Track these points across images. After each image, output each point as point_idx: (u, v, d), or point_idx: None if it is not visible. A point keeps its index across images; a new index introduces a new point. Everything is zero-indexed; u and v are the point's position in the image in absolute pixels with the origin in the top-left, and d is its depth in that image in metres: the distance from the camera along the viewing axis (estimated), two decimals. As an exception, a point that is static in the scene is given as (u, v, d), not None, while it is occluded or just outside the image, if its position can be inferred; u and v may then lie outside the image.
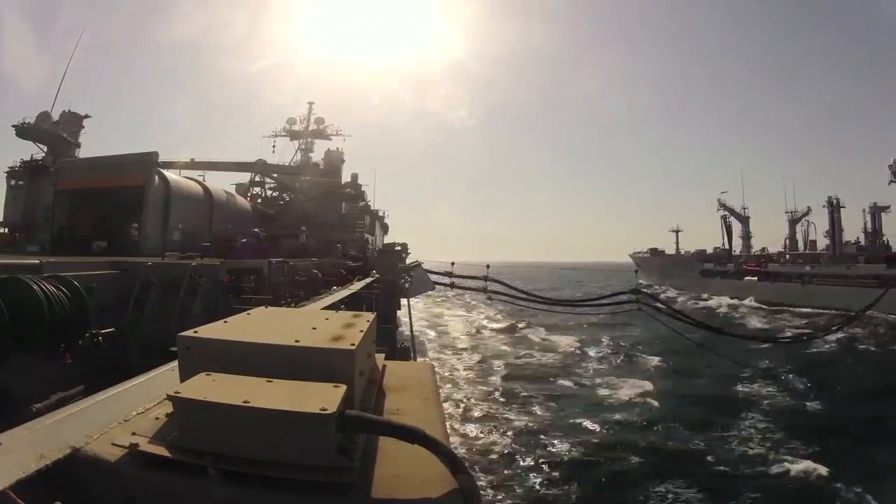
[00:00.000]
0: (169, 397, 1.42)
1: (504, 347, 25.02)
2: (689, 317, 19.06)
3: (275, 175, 26.02)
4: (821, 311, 33.29)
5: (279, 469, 1.29)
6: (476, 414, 14.14)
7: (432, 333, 29.15)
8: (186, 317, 5.72)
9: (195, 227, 15.19)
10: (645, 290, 19.87)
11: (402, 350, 13.72)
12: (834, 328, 21.86)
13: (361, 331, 1.91)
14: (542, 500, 9.51)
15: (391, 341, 13.94)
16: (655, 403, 15.10)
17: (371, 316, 2.25)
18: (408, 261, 23.39)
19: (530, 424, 13.30)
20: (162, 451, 1.36)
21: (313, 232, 20.14)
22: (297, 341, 1.71)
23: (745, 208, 54.87)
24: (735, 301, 42.47)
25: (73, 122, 23.00)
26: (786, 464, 10.84)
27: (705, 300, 46.25)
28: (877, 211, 42.26)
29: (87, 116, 23.66)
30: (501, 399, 15.79)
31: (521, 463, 10.95)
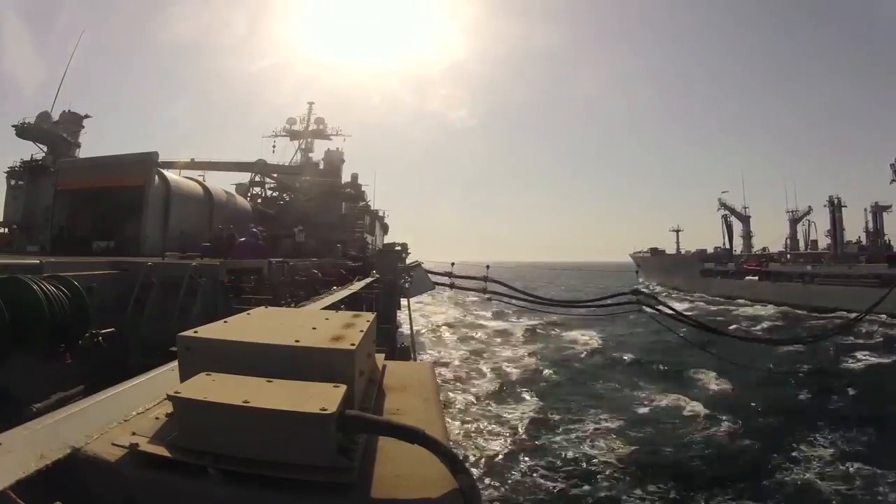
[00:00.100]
0: (169, 397, 1.42)
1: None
2: (689, 318, 19.06)
3: (275, 175, 26.03)
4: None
5: (279, 469, 1.29)
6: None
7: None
8: (186, 317, 5.72)
9: (195, 227, 15.19)
10: (645, 291, 19.89)
11: (402, 350, 13.73)
12: (835, 330, 21.88)
13: (361, 331, 1.91)
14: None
15: (391, 341, 13.95)
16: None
17: (371, 316, 2.25)
18: (408, 261, 23.40)
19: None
20: (162, 451, 1.36)
21: (313, 232, 20.14)
22: (297, 341, 1.71)
23: (745, 208, 54.96)
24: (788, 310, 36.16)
25: (73, 122, 23.03)
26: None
27: (734, 307, 40.13)
28: (878, 210, 42.27)
29: (87, 116, 23.71)
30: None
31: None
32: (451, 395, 15.81)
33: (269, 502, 1.30)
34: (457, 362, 21.50)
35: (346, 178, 28.19)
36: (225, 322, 2.04)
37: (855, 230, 44.78)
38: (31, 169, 20.70)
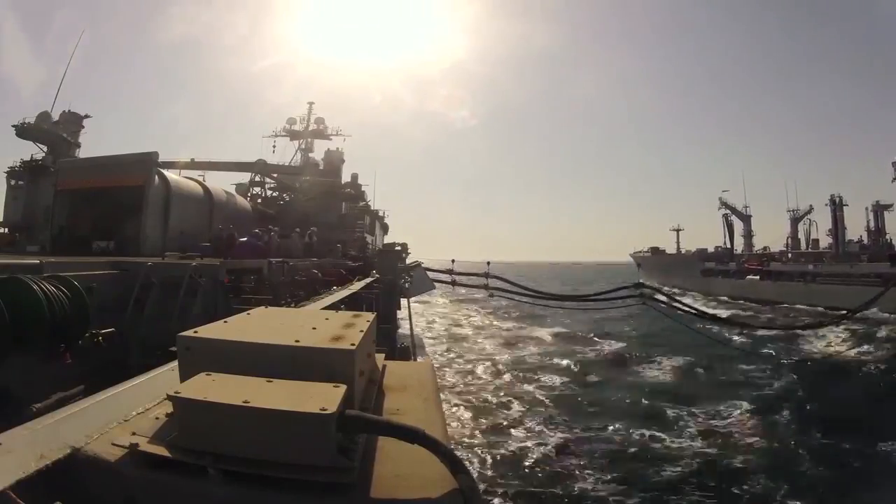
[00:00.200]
0: (169, 397, 1.42)
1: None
2: (693, 308, 19.23)
3: (275, 175, 26.05)
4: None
5: (279, 469, 1.29)
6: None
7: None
8: (186, 317, 5.72)
9: (195, 227, 15.20)
10: (649, 286, 20.02)
11: (402, 350, 13.73)
12: (829, 322, 22.03)
13: (361, 331, 1.91)
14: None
15: (391, 341, 13.95)
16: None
17: (371, 316, 2.25)
18: (408, 261, 23.41)
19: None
20: (162, 451, 1.36)
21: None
22: (297, 341, 1.71)
23: (746, 207, 54.86)
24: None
25: (73, 122, 23.05)
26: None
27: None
28: (880, 209, 42.17)
29: (87, 116, 23.73)
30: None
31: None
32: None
33: (269, 502, 1.30)
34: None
35: (346, 178, 28.21)
36: (225, 322, 2.04)
37: (856, 229, 44.71)
38: (31, 169, 20.71)
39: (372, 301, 11.53)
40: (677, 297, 23.13)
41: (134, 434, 1.47)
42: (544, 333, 28.57)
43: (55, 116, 22.30)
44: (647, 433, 12.43)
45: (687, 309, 18.73)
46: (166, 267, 6.73)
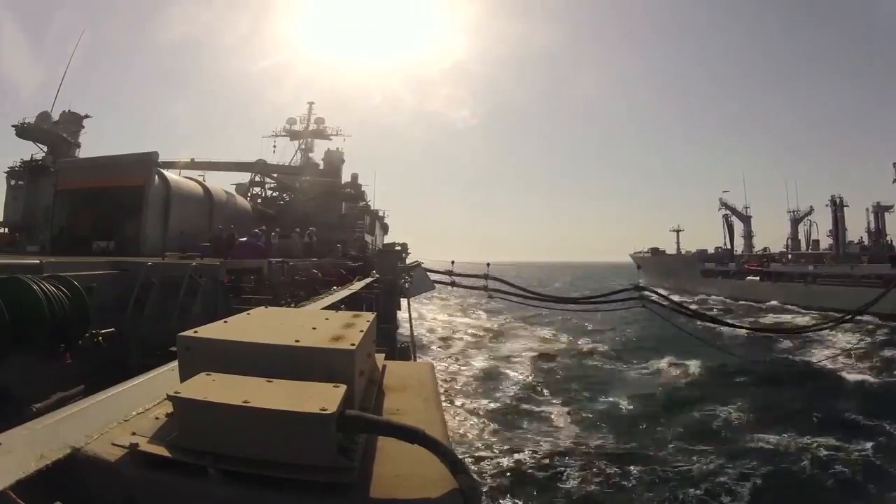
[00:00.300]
0: (169, 397, 1.42)
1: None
2: (693, 310, 19.20)
3: (275, 175, 26.06)
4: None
5: (279, 469, 1.29)
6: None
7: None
8: (186, 317, 5.72)
9: (195, 227, 15.20)
10: (649, 287, 19.99)
11: (402, 350, 13.73)
12: (831, 324, 21.92)
13: (361, 331, 1.91)
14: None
15: (391, 341, 13.95)
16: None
17: (371, 316, 2.25)
18: (408, 261, 23.42)
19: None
20: (162, 451, 1.36)
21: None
22: (297, 341, 1.71)
23: (746, 207, 54.79)
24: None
25: (73, 122, 23.06)
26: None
27: None
28: (880, 210, 42.07)
29: (87, 116, 23.75)
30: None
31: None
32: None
33: (269, 502, 1.30)
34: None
35: (346, 178, 28.22)
36: (225, 322, 2.04)
37: (857, 230, 44.59)
38: (31, 169, 20.72)
39: (372, 301, 11.54)
40: (684, 303, 23.06)
41: (134, 434, 1.47)
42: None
43: (55, 116, 22.31)
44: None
45: (686, 311, 18.71)
46: (166, 267, 6.73)
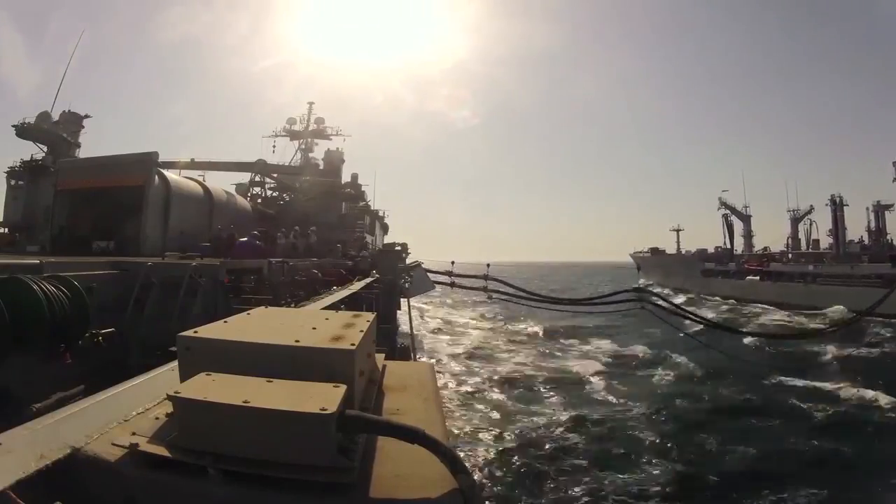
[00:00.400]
0: (169, 397, 1.42)
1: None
2: (693, 314, 19.15)
3: (275, 175, 26.06)
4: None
5: (279, 469, 1.29)
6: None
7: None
8: (186, 317, 5.73)
9: (195, 227, 15.20)
10: (649, 290, 19.93)
11: (402, 350, 13.74)
12: (832, 328, 21.75)
13: (361, 331, 1.91)
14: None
15: (391, 341, 13.96)
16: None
17: (371, 316, 2.25)
18: (408, 261, 23.43)
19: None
20: (162, 451, 1.36)
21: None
22: (297, 341, 1.71)
23: (746, 207, 54.72)
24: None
25: (73, 122, 23.06)
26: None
27: None
28: (880, 209, 41.96)
29: (87, 116, 23.74)
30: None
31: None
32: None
33: (269, 502, 1.30)
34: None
35: (346, 178, 28.22)
36: (225, 322, 2.04)
37: (857, 229, 44.47)
38: (31, 169, 20.72)
39: (372, 301, 11.55)
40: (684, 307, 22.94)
41: (134, 434, 1.47)
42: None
43: (55, 116, 22.31)
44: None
45: (686, 314, 18.67)
46: (166, 267, 6.73)
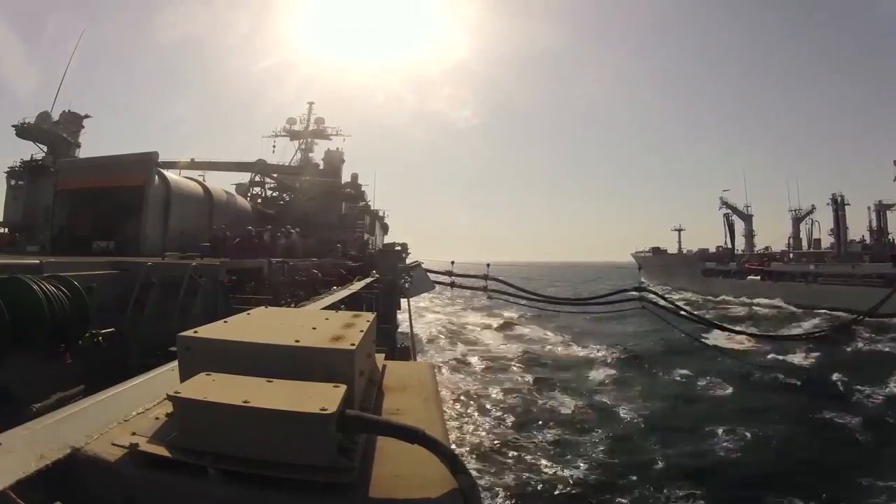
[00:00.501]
0: (169, 397, 1.42)
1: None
2: (694, 314, 19.16)
3: (275, 175, 26.03)
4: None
5: (279, 469, 1.29)
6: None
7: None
8: (186, 317, 5.73)
9: (195, 227, 15.21)
10: (650, 289, 19.91)
11: (402, 350, 13.75)
12: (832, 328, 21.73)
13: (361, 331, 1.91)
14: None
15: (391, 341, 13.96)
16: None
17: (371, 316, 2.25)
18: (408, 261, 23.42)
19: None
20: (162, 451, 1.36)
21: (313, 232, 20.14)
22: (297, 341, 1.71)
23: (747, 206, 54.61)
24: None
25: (73, 122, 23.04)
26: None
27: None
28: (882, 209, 41.83)
29: (87, 116, 23.71)
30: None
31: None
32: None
33: (269, 502, 1.30)
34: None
35: (346, 178, 28.17)
36: (225, 322, 2.04)
37: (858, 229, 44.31)
38: (31, 169, 20.71)
39: (372, 301, 11.55)
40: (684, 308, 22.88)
41: (134, 434, 1.46)
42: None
43: (55, 116, 22.29)
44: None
45: (687, 315, 18.70)
46: (166, 267, 6.74)
